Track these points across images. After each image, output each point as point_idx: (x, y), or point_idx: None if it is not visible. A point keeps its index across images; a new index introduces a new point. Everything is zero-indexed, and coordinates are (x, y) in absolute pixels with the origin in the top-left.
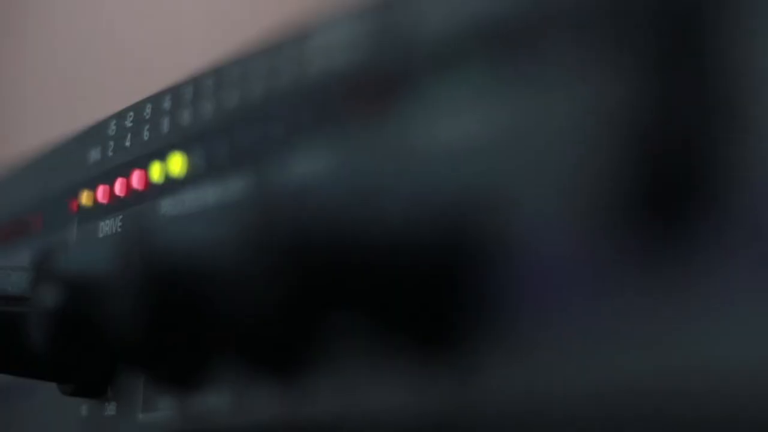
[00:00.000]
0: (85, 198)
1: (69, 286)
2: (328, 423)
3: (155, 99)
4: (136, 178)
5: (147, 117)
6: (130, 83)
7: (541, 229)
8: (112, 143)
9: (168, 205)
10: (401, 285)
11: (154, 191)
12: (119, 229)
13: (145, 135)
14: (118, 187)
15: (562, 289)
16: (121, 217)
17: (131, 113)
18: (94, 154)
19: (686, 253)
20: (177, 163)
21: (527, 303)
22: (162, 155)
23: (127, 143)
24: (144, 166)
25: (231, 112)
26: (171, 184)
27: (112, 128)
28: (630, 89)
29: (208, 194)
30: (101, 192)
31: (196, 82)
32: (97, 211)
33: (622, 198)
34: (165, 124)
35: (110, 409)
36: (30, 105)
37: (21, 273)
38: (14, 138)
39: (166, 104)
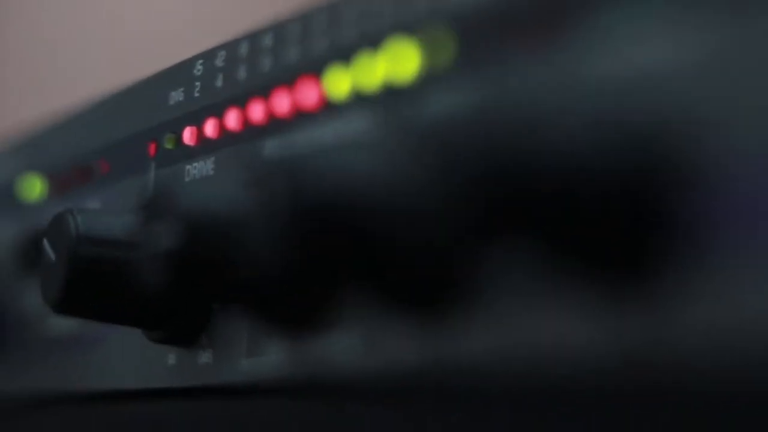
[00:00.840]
0: (167, 140)
1: (183, 228)
2: (480, 369)
3: (253, 37)
4: (232, 119)
5: (244, 56)
6: (119, 61)
7: (736, 156)
8: (198, 84)
9: (273, 146)
10: (579, 214)
11: (253, 132)
12: (212, 172)
13: (242, 74)
14: (210, 128)
15: (760, 220)
16: (213, 159)
17: (222, 52)
18: (176, 96)
19: None
20: (283, 102)
21: (721, 233)
22: (265, 93)
23: (219, 83)
24: (242, 105)
25: (353, 45)
26: (276, 124)
27: (198, 68)
28: None
29: (323, 134)
30: (188, 134)
31: (305, 18)
32: (183, 153)
33: None
34: (266, 63)
35: (205, 356)
36: (17, 84)
37: (123, 216)
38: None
39: (267, 41)
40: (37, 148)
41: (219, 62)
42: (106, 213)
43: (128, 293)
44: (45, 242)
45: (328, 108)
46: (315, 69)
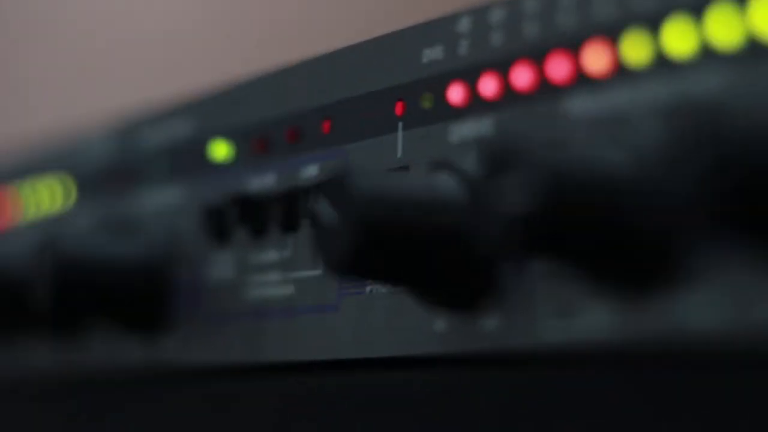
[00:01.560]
0: (424, 99)
1: (534, 186)
2: None
3: None
4: (520, 77)
5: (530, 12)
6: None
7: None
8: (465, 41)
9: (580, 106)
10: None
11: (551, 90)
12: (492, 133)
13: (531, 30)
14: (488, 86)
15: None
16: (493, 119)
17: (499, 9)
18: (431, 53)
19: None
20: (597, 59)
21: None
22: (574, 49)
23: (497, 40)
24: (538, 62)
25: None
26: (584, 82)
27: (464, 25)
28: None
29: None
30: (455, 92)
31: None
32: (445, 113)
33: None
34: (569, 19)
35: (489, 321)
36: (33, 87)
37: (405, 174)
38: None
39: None
40: (232, 107)
41: (494, 18)
42: (386, 172)
43: (421, 256)
44: (322, 202)
45: (666, 66)
46: (650, 24)
